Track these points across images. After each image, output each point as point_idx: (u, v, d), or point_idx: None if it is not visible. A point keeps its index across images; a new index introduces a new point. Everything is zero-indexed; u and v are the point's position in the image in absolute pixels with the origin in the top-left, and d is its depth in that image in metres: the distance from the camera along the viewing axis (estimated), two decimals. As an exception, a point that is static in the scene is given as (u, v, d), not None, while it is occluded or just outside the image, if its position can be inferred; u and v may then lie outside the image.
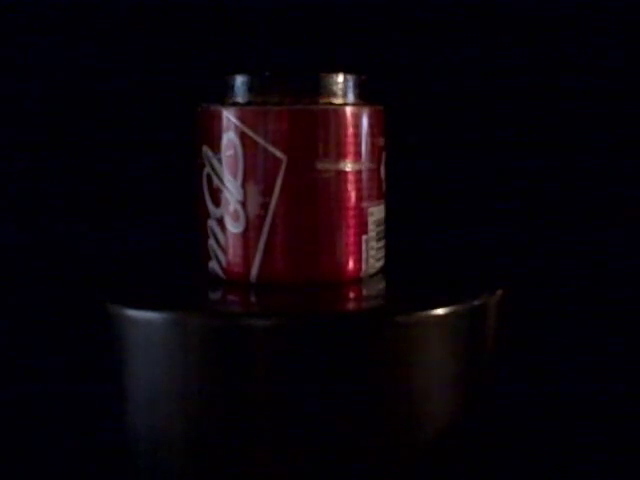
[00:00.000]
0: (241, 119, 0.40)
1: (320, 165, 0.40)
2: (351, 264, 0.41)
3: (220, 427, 0.37)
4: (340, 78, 0.41)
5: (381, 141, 0.42)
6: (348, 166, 0.41)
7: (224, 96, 0.42)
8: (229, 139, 0.40)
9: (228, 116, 0.40)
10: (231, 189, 0.40)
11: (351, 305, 0.42)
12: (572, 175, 0.51)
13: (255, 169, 0.40)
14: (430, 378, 0.38)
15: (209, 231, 0.42)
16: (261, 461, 0.37)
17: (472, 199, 0.52)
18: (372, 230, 0.42)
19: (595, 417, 0.50)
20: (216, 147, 0.41)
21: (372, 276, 0.42)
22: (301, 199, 0.40)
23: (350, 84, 0.42)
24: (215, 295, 0.42)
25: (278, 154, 0.40)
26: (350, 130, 0.41)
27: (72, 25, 0.49)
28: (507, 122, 0.51)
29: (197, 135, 0.42)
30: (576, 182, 0.51)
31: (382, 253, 0.43)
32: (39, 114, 0.49)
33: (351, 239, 0.41)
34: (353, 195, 0.41)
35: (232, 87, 0.41)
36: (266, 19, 0.50)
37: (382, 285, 0.43)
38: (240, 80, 0.41)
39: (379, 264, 0.43)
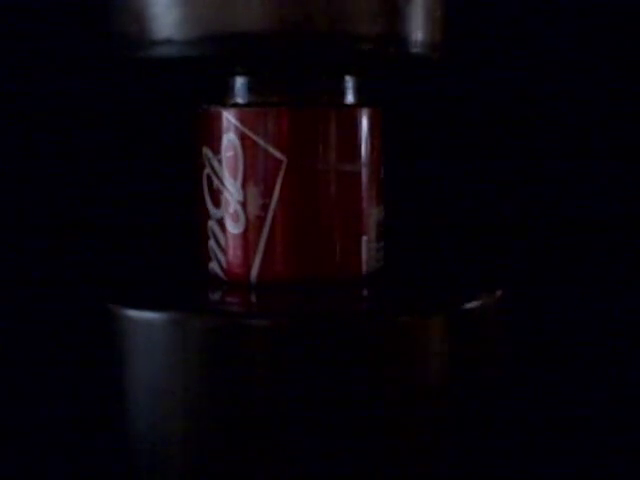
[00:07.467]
0: (241, 120, 0.40)
1: (320, 166, 0.40)
2: (351, 265, 0.41)
3: (220, 427, 0.37)
4: (340, 79, 0.41)
5: (381, 142, 0.42)
6: (348, 167, 0.41)
7: (224, 97, 0.42)
8: (229, 140, 0.40)
9: (228, 117, 0.40)
10: (231, 190, 0.40)
11: (351, 305, 0.42)
12: (573, 176, 0.51)
13: (255, 170, 0.40)
14: (430, 379, 0.38)
15: (209, 232, 0.42)
16: (261, 461, 0.37)
17: (472, 199, 0.52)
18: (372, 231, 0.42)
19: (596, 418, 0.50)
20: (216, 148, 0.41)
21: (372, 277, 0.42)
22: (301, 200, 0.40)
23: (350, 85, 0.42)
24: (215, 295, 0.42)
25: (278, 155, 0.40)
26: (350, 131, 0.41)
27: (71, 25, 0.49)
28: (507, 122, 0.51)
29: (197, 136, 0.42)
30: (576, 183, 0.51)
31: (382, 254, 0.43)
32: (39, 114, 0.49)
33: (351, 240, 0.41)
34: (353, 196, 0.41)
35: (232, 88, 0.41)
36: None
37: (382, 286, 0.43)
38: (240, 81, 0.41)
39: (379, 265, 0.43)
